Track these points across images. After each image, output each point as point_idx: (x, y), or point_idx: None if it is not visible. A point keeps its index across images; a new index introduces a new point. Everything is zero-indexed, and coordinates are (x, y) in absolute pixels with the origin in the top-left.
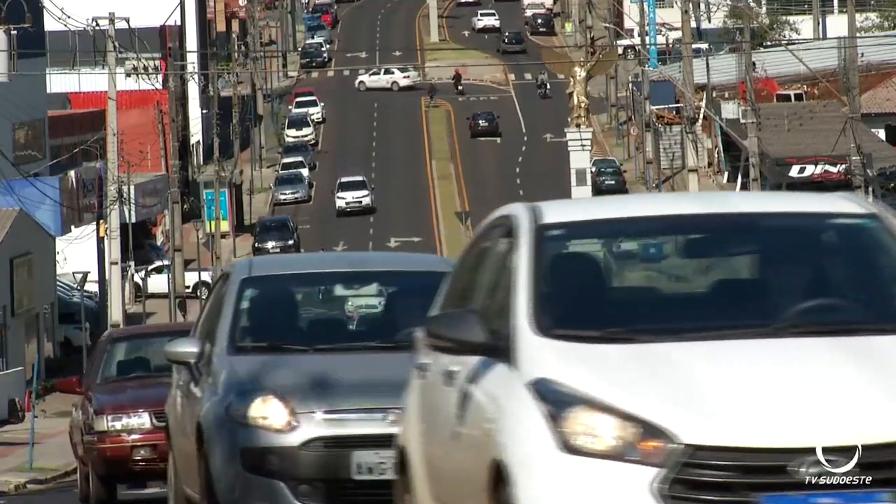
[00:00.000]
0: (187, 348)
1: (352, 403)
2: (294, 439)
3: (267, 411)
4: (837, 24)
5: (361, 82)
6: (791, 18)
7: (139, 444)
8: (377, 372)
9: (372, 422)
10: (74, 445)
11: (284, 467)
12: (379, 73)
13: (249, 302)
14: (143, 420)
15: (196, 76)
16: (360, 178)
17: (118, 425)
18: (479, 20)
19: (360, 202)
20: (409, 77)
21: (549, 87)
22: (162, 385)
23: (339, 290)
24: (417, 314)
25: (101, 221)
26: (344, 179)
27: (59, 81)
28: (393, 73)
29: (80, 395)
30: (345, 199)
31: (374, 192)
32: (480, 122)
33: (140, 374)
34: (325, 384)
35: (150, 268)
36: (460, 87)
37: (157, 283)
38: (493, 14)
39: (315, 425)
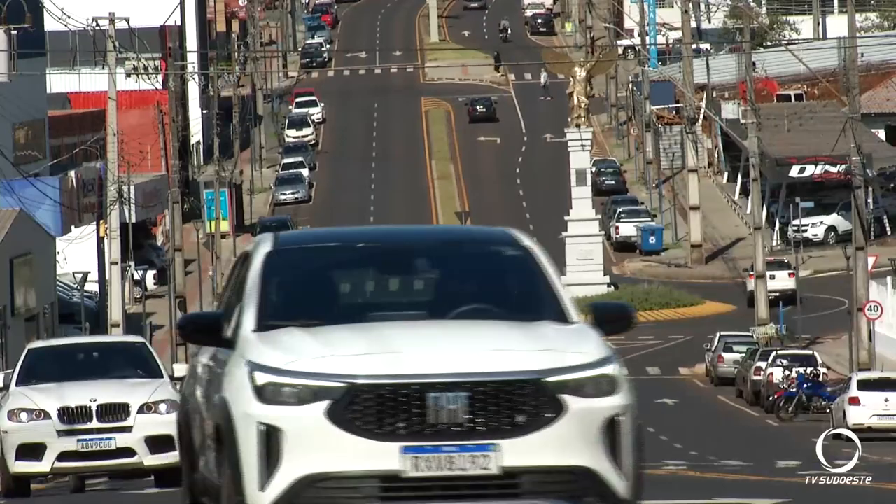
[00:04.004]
0: None
1: None
2: None
3: None
4: (837, 24)
5: None
6: (791, 18)
7: None
8: None
9: None
10: None
11: None
12: None
13: None
14: None
15: (196, 76)
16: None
17: None
18: None
19: None
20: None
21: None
22: None
23: None
24: None
25: (101, 221)
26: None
27: (59, 81)
28: None
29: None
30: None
31: None
32: (478, 107)
33: None
34: None
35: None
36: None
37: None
38: None
39: None
